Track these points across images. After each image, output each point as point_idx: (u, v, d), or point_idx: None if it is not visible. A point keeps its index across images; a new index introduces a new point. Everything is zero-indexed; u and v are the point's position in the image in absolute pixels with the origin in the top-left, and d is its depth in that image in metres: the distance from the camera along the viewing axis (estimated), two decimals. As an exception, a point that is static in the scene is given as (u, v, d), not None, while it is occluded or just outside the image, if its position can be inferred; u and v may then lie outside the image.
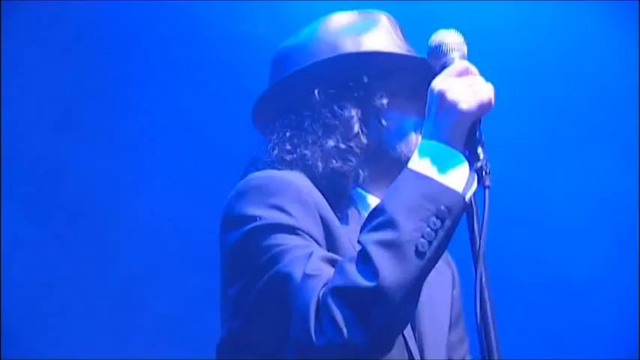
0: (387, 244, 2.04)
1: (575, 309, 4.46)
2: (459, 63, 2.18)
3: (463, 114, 2.12)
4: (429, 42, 2.22)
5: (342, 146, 2.36)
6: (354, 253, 2.10)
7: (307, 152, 2.36)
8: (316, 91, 2.41)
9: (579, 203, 4.49)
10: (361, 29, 2.47)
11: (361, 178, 2.37)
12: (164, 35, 4.46)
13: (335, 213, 2.29)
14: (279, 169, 2.35)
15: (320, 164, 2.35)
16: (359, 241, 2.09)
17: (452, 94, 2.12)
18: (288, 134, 2.40)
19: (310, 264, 2.09)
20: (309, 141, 2.38)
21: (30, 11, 4.31)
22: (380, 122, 2.39)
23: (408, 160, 2.19)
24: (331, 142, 2.36)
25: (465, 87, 2.13)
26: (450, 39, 2.22)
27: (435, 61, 2.21)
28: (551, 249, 4.49)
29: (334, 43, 2.43)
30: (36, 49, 4.32)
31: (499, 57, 4.49)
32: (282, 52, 2.51)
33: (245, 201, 2.23)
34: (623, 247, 4.43)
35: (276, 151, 2.39)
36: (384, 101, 2.39)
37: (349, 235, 2.25)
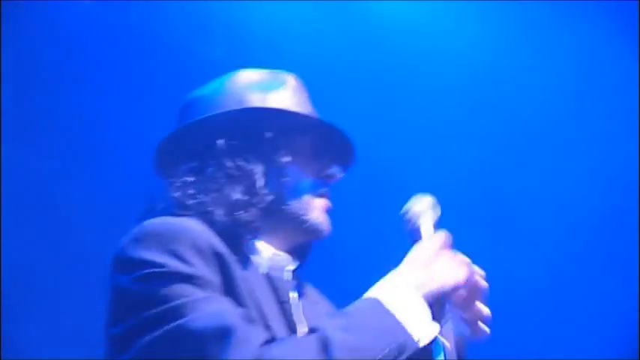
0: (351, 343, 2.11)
1: (574, 309, 4.46)
2: (438, 235, 2.35)
3: (444, 288, 2.28)
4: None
5: (245, 198, 2.40)
6: (250, 300, 2.21)
7: (208, 199, 2.39)
8: (221, 141, 2.44)
9: (579, 203, 4.49)
10: (268, 87, 2.51)
11: (259, 235, 2.42)
12: (125, 54, 4.46)
13: (235, 258, 2.31)
14: (177, 214, 2.36)
15: (220, 213, 2.38)
16: (313, 329, 2.16)
17: (438, 269, 2.29)
18: (190, 180, 2.43)
19: (236, 326, 2.10)
20: (211, 189, 2.41)
21: (29, 12, 4.33)
22: (280, 179, 2.44)
23: (299, 218, 2.40)
24: (235, 194, 2.40)
25: (450, 265, 2.32)
26: (419, 206, 2.39)
27: (407, 225, 2.38)
28: (551, 249, 4.50)
29: (241, 96, 2.48)
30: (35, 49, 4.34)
31: (499, 57, 4.51)
32: (189, 101, 2.55)
33: (141, 246, 2.22)
34: (623, 246, 4.44)
35: (177, 195, 2.41)
36: (287, 159, 2.45)
37: (245, 282, 2.29)
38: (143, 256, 2.20)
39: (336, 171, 2.52)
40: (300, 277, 2.54)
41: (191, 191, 2.41)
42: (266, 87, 2.52)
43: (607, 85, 4.49)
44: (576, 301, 4.47)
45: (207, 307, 2.13)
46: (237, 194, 2.40)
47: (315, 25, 4.48)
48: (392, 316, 2.17)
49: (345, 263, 4.03)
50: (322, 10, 4.48)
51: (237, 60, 2.67)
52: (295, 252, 2.53)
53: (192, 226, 2.28)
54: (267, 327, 2.26)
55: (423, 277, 2.27)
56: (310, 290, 2.59)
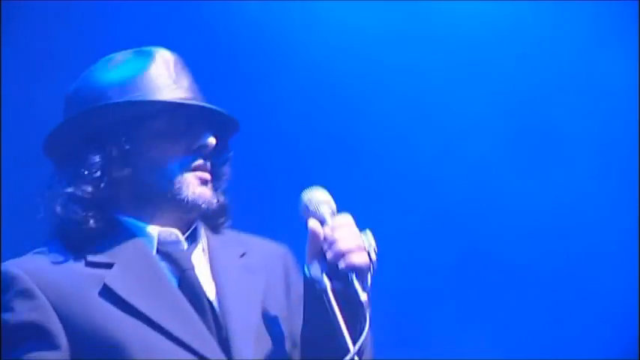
0: None
1: (574, 309, 4.45)
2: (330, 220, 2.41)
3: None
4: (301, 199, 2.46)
5: (77, 193, 2.48)
6: (94, 325, 2.32)
7: (52, 203, 2.53)
8: (73, 142, 2.53)
9: (578, 202, 4.48)
10: (129, 71, 2.55)
11: (91, 223, 2.48)
12: (160, 38, 4.45)
13: (117, 256, 2.44)
14: (50, 226, 2.53)
15: (57, 212, 2.49)
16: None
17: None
18: (51, 186, 2.56)
19: None
20: (55, 191, 2.53)
21: (30, 11, 4.32)
22: (133, 165, 2.50)
23: (174, 198, 2.48)
24: (68, 190, 2.49)
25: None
26: (318, 197, 2.46)
27: (307, 216, 2.44)
28: (550, 249, 4.48)
29: (99, 91, 2.53)
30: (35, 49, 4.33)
31: (499, 57, 4.49)
32: (65, 96, 2.63)
33: None
34: (623, 246, 4.43)
35: (44, 204, 2.56)
36: (129, 145, 2.49)
37: (121, 279, 2.40)
38: None
39: (204, 141, 2.53)
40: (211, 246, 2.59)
41: (57, 200, 2.51)
42: (125, 74, 2.54)
43: (607, 82, 4.48)
44: (576, 300, 4.46)
45: None
46: (73, 190, 2.48)
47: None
48: None
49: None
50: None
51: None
52: (187, 221, 2.57)
53: (21, 266, 2.42)
54: (146, 317, 2.36)
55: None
56: (237, 250, 2.64)
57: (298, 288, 2.59)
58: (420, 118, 4.47)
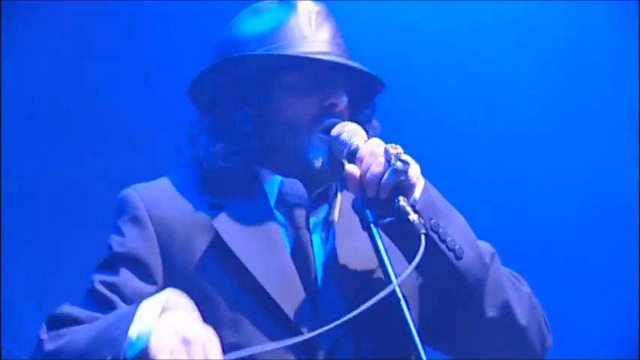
0: None
1: (574, 308, 4.45)
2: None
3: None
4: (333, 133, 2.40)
5: (232, 148, 2.45)
6: (195, 268, 2.34)
7: (200, 151, 2.49)
8: (210, 93, 2.51)
9: (578, 202, 4.48)
10: (268, 22, 2.48)
11: (255, 173, 2.47)
12: (161, 37, 4.46)
13: (239, 201, 2.42)
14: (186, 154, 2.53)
15: (208, 164, 2.46)
16: None
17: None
18: (193, 130, 2.54)
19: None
20: (204, 139, 2.49)
21: (29, 12, 4.31)
22: (269, 122, 2.45)
23: (302, 158, 2.40)
24: (221, 144, 2.45)
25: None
26: (348, 127, 2.39)
27: (342, 148, 2.38)
28: (550, 248, 4.48)
29: (237, 40, 2.49)
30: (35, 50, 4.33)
31: (498, 57, 4.50)
32: (214, 41, 2.58)
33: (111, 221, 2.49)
34: (622, 246, 4.43)
35: (188, 144, 2.54)
36: (269, 101, 2.45)
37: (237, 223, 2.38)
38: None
39: (337, 99, 2.44)
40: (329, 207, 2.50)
41: (189, 144, 2.51)
42: (264, 25, 2.48)
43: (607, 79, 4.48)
44: (576, 300, 4.46)
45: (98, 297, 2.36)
46: (225, 144, 2.45)
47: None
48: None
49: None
50: None
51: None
52: (315, 181, 2.48)
53: (138, 194, 2.45)
54: (245, 271, 2.32)
55: None
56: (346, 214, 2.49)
57: None
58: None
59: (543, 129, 4.51)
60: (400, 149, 2.29)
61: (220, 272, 2.35)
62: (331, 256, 2.42)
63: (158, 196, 2.45)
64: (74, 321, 2.30)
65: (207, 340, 2.03)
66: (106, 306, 2.32)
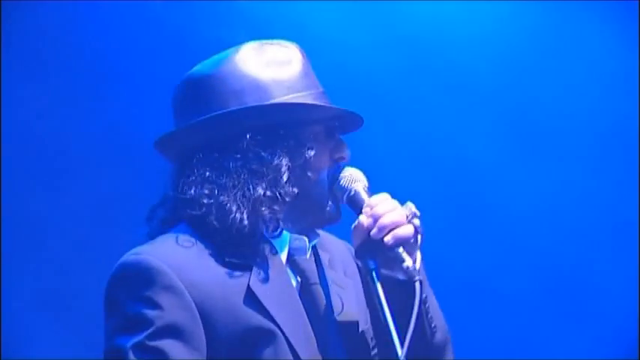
0: None
1: (574, 309, 4.45)
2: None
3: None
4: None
5: (269, 194, 2.37)
6: (234, 326, 2.28)
7: (225, 198, 2.35)
8: (246, 135, 2.39)
9: (578, 202, 4.48)
10: (280, 67, 2.45)
11: (280, 225, 2.42)
12: (149, 41, 4.46)
13: (253, 258, 2.36)
14: (190, 212, 2.36)
15: (239, 212, 2.35)
16: None
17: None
18: (207, 174, 2.38)
19: None
20: (230, 185, 2.36)
21: (28, 14, 4.32)
22: (305, 172, 2.42)
23: (322, 208, 2.43)
24: (259, 190, 2.36)
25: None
26: (351, 172, 2.45)
27: (341, 193, 2.44)
28: (550, 249, 4.48)
29: (258, 82, 2.42)
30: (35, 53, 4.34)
31: (499, 57, 4.50)
32: (200, 80, 2.46)
33: (118, 288, 2.30)
34: (622, 246, 4.43)
35: (192, 192, 2.37)
36: (312, 152, 2.42)
37: (262, 286, 2.34)
38: (117, 299, 2.29)
39: (346, 152, 2.49)
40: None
41: (207, 190, 2.36)
42: (278, 69, 2.45)
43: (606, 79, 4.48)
44: (576, 300, 4.46)
45: None
46: (264, 190, 2.36)
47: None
48: None
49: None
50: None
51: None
52: (314, 233, 2.52)
53: (165, 260, 2.29)
54: (277, 326, 2.32)
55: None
56: (324, 257, 2.57)
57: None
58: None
59: (543, 129, 4.51)
60: (416, 210, 2.41)
61: (260, 337, 2.32)
62: (331, 309, 2.47)
63: (183, 262, 2.32)
64: None
65: None
66: None
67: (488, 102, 4.50)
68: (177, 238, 2.36)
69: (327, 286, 2.48)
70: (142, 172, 4.41)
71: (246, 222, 2.33)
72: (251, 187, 2.36)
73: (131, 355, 2.21)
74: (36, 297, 4.26)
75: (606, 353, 4.35)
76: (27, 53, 4.34)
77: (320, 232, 2.57)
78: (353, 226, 2.41)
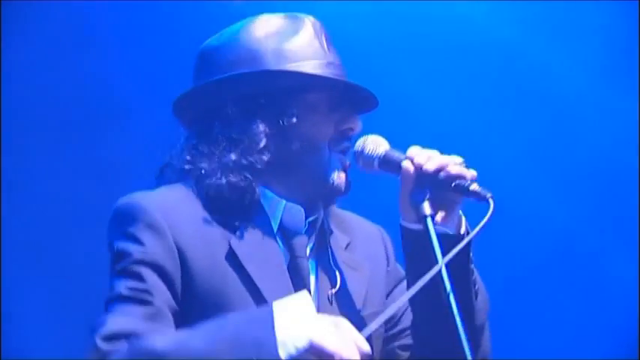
0: None
1: (574, 309, 4.45)
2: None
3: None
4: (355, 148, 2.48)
5: (243, 161, 2.42)
6: (210, 278, 2.32)
7: (205, 165, 2.43)
8: (229, 103, 2.45)
9: (578, 202, 4.48)
10: (284, 38, 2.48)
11: (257, 193, 2.44)
12: (159, 37, 4.46)
13: (241, 221, 2.41)
14: (177, 178, 2.47)
15: (215, 178, 2.42)
16: None
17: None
18: (194, 142, 2.48)
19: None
20: (211, 152, 2.44)
21: (29, 12, 4.32)
22: (289, 140, 2.45)
23: (316, 178, 2.43)
24: (233, 157, 2.42)
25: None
26: (372, 139, 2.48)
27: (370, 160, 2.46)
28: (550, 248, 4.49)
29: (255, 52, 2.46)
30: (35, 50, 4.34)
31: (499, 57, 4.50)
32: (206, 51, 2.54)
33: (110, 228, 2.41)
34: (622, 246, 4.43)
35: (184, 157, 2.47)
36: (294, 119, 2.44)
37: (244, 243, 2.38)
38: (112, 238, 2.39)
39: (355, 124, 2.50)
40: (328, 231, 2.54)
41: (189, 157, 2.45)
42: (281, 38, 2.48)
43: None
44: (576, 300, 4.46)
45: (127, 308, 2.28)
46: (237, 157, 2.42)
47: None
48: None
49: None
50: None
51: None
52: (315, 206, 2.51)
53: (154, 201, 2.38)
54: (257, 290, 2.34)
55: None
56: (342, 240, 2.58)
57: (397, 275, 2.60)
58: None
59: (543, 129, 4.51)
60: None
61: (235, 292, 2.36)
62: (325, 286, 2.49)
63: (170, 205, 2.40)
64: (135, 336, 2.25)
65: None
66: (146, 304, 2.29)
67: (487, 101, 4.51)
68: (172, 188, 2.46)
69: (327, 262, 2.49)
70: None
71: (224, 188, 2.40)
72: (226, 154, 2.42)
73: (116, 278, 2.32)
74: (36, 297, 4.26)
75: (606, 353, 4.35)
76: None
77: (350, 216, 2.62)
78: (402, 178, 2.40)
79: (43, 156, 4.34)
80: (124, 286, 2.30)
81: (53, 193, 4.34)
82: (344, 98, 2.50)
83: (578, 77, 4.52)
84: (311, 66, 2.45)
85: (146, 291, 2.30)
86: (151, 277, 2.31)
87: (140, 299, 2.28)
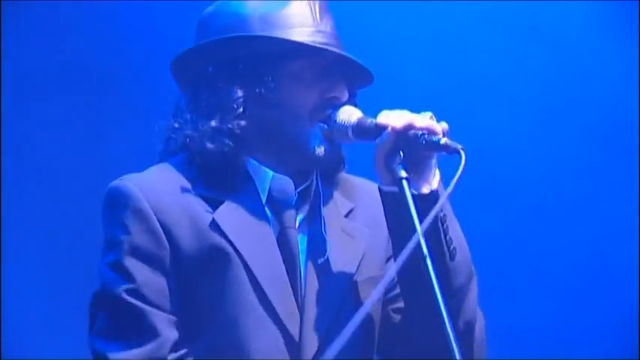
0: None
1: (574, 309, 4.45)
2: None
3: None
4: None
5: (222, 127, 2.44)
6: (198, 253, 2.36)
7: (189, 132, 2.47)
8: (209, 69, 2.48)
9: (578, 202, 4.48)
10: (274, 5, 2.48)
11: (242, 161, 2.47)
12: (159, 33, 4.46)
13: (230, 193, 2.43)
14: (167, 145, 2.52)
15: (198, 144, 2.44)
16: None
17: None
18: (182, 109, 2.52)
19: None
20: (193, 119, 2.47)
21: (29, 10, 4.32)
22: (268, 106, 2.45)
23: (298, 146, 2.43)
24: (212, 123, 2.44)
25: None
26: (346, 109, 2.47)
27: (344, 130, 2.45)
28: (550, 248, 4.48)
29: (243, 18, 2.47)
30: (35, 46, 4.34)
31: (498, 57, 4.50)
32: (202, 18, 2.56)
33: (102, 211, 2.46)
34: (622, 245, 4.43)
35: (171, 125, 2.51)
36: (272, 86, 2.44)
37: (230, 214, 2.41)
38: (104, 226, 2.45)
39: (340, 92, 2.49)
40: (323, 198, 2.54)
41: (176, 124, 2.49)
42: (270, 7, 2.48)
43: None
44: (576, 300, 4.46)
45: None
46: (216, 124, 2.43)
47: None
48: None
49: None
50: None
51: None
52: (303, 175, 2.52)
53: (137, 184, 2.42)
54: (246, 265, 2.37)
55: None
56: (344, 206, 2.58)
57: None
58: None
59: (543, 129, 4.51)
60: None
61: (221, 265, 2.39)
62: (317, 256, 2.48)
63: (155, 187, 2.43)
64: None
65: None
66: (141, 321, 2.36)
67: (487, 101, 4.51)
68: (160, 168, 2.49)
69: (319, 231, 2.48)
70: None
71: (207, 155, 2.43)
72: (205, 120, 2.45)
73: (107, 272, 2.38)
74: (36, 297, 4.26)
75: (606, 353, 4.35)
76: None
77: (360, 181, 2.62)
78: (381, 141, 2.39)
79: (43, 156, 4.34)
80: (121, 290, 2.37)
81: (54, 191, 4.34)
82: (333, 68, 2.49)
83: (576, 78, 4.52)
84: (296, 33, 2.45)
85: (136, 291, 2.35)
86: (141, 272, 2.36)
87: (135, 310, 2.36)
